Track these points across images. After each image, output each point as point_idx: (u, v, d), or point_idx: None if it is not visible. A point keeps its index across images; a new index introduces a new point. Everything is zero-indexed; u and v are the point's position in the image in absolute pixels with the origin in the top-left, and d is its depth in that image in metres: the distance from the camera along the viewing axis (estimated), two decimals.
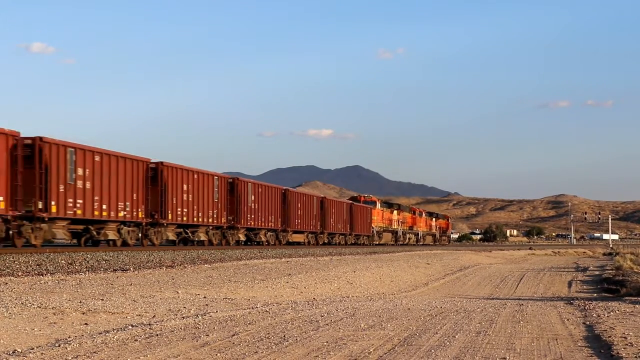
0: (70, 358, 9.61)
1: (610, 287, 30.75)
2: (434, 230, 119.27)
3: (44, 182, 31.68)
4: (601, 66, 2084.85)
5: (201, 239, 45.70)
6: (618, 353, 10.22)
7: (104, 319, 13.60)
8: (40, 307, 14.23)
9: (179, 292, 18.76)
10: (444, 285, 33.05)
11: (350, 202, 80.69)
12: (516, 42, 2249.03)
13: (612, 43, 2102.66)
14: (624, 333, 12.21)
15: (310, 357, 9.89)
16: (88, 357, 9.70)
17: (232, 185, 49.86)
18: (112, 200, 36.25)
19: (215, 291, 19.77)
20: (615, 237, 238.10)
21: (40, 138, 31.78)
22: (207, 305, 16.52)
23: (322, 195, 71.85)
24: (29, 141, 31.53)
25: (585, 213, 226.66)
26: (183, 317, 13.89)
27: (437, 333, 12.17)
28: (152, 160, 40.36)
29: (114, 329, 12.17)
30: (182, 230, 43.87)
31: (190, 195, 43.62)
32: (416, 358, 9.91)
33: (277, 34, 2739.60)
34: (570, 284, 35.33)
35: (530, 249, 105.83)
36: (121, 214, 37.05)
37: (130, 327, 12.44)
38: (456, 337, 11.74)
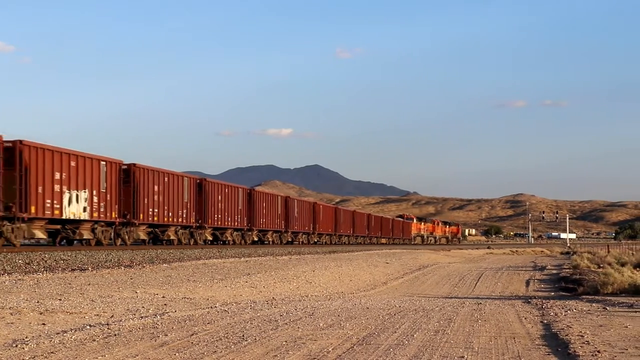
0: (27, 358, 9.54)
1: (568, 285, 31.04)
2: (447, 234, 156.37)
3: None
4: (558, 66, 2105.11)
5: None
6: (575, 351, 10.32)
7: (62, 319, 13.49)
8: None
9: (138, 291, 18.67)
10: (402, 284, 33.17)
11: (402, 218, 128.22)
12: (474, 41, 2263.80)
13: (569, 43, 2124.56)
14: (580, 331, 12.34)
15: (269, 357, 9.89)
16: (45, 357, 9.63)
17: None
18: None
19: (174, 291, 19.69)
20: (573, 236, 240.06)
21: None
22: (165, 305, 16.45)
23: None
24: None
25: (543, 212, 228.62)
26: (141, 317, 13.83)
27: (395, 332, 12.23)
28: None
29: (71, 329, 12.08)
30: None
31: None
32: (375, 357, 9.94)
33: (235, 33, 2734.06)
34: (528, 283, 35.58)
35: (488, 248, 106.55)
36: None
37: (88, 327, 12.35)
38: (415, 336, 11.80)
